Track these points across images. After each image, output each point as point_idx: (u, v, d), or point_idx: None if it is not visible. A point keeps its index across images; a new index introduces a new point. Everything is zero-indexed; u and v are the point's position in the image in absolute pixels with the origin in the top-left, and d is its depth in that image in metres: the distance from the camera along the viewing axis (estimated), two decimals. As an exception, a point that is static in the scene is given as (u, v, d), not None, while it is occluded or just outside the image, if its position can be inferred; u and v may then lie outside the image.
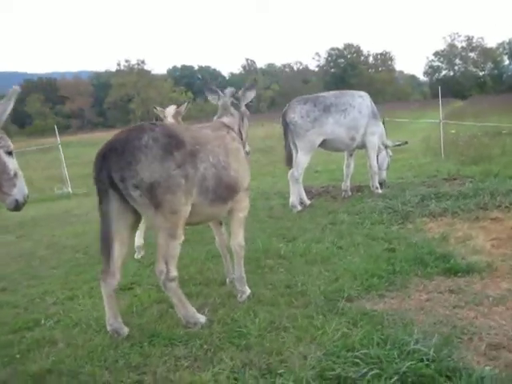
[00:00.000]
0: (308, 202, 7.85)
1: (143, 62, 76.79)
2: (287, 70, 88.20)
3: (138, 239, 6.03)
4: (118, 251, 3.66)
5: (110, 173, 3.49)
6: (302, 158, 7.58)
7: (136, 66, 76.01)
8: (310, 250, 5.44)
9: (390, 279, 4.40)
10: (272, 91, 77.66)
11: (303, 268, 4.93)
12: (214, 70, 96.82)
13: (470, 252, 4.94)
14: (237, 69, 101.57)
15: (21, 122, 70.43)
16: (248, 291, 4.35)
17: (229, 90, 4.79)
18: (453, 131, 14.01)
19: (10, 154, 3.60)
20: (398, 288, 4.25)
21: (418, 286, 4.27)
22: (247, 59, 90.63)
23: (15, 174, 3.61)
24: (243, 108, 4.77)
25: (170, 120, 6.37)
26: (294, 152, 7.71)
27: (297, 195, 7.53)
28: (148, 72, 77.85)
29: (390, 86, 73.71)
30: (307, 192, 8.67)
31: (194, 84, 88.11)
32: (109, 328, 3.76)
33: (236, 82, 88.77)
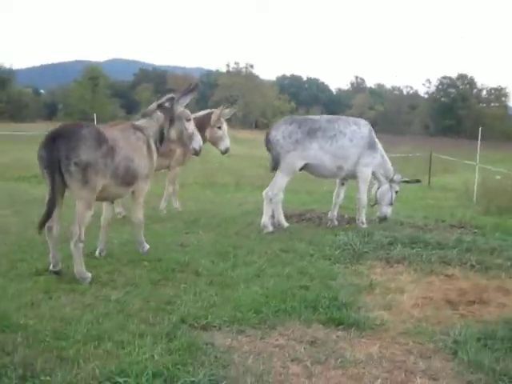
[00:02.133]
0: (285, 224, 7.54)
1: (252, 66, 78.48)
2: (396, 92, 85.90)
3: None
4: (57, 210, 4.91)
5: (58, 152, 4.65)
6: (279, 179, 7.30)
7: (244, 70, 77.72)
8: (228, 271, 5.22)
9: (266, 317, 4.09)
10: (375, 112, 76.07)
11: (197, 288, 4.72)
12: (322, 83, 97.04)
13: (380, 306, 4.47)
14: (345, 85, 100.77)
15: (129, 108, 74.30)
16: (147, 247, 5.88)
17: (166, 97, 5.94)
18: (498, 177, 12.83)
19: None
20: (263, 327, 3.94)
21: (286, 329, 3.93)
22: (356, 77, 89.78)
23: None
24: (179, 110, 5.85)
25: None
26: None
27: (269, 216, 7.25)
28: (256, 76, 79.37)
29: (501, 122, 69.35)
30: (295, 215, 8.39)
31: (299, 94, 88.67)
32: (52, 262, 5.05)
33: (343, 97, 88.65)
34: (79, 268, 4.89)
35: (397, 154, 18.96)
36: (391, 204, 7.90)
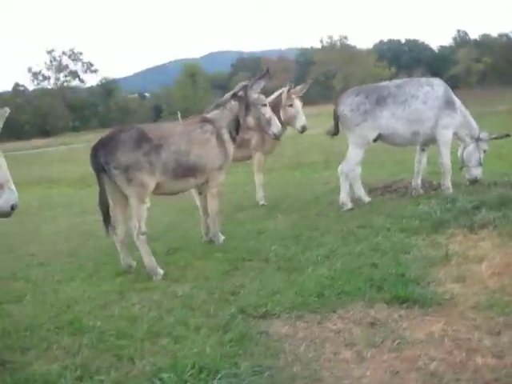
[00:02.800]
0: (367, 199, 7.24)
1: (345, 37, 76.29)
2: (504, 39, 79.04)
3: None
4: (118, 211, 5.29)
5: (100, 159, 5.05)
6: (352, 153, 6.98)
7: (338, 42, 75.86)
8: (298, 255, 5.15)
9: (328, 300, 3.98)
10: (483, 64, 70.74)
11: (264, 275, 4.71)
12: (423, 43, 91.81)
13: (453, 279, 4.15)
14: (447, 41, 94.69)
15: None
16: (222, 238, 6.01)
17: (239, 85, 6.08)
18: None
19: None
20: (324, 311, 3.83)
21: (347, 312, 3.79)
22: (458, 30, 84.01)
23: (1, 186, 3.83)
24: (253, 97, 5.95)
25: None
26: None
27: (347, 192, 6.99)
28: (351, 47, 77.14)
29: None
30: (380, 187, 8.05)
31: (400, 58, 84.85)
32: (123, 264, 5.35)
33: (446, 54, 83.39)
34: (148, 261, 5.12)
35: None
36: (480, 164, 7.29)
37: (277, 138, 6.40)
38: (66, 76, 72.93)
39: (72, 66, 73.37)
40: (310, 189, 9.13)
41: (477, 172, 7.31)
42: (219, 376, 2.93)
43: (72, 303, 4.56)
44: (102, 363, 3.30)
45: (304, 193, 8.81)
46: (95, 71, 75.45)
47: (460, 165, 7.47)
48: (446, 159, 7.02)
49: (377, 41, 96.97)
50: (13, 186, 3.88)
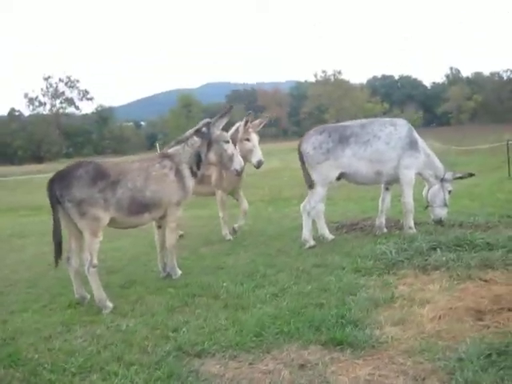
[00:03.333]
0: (330, 237, 7.28)
1: (339, 72, 77.61)
2: (496, 78, 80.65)
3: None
4: (73, 242, 5.35)
5: (55, 191, 5.12)
6: (315, 191, 7.07)
7: (332, 77, 77.06)
8: (248, 293, 5.14)
9: (266, 339, 3.97)
10: (474, 102, 71.92)
11: (210, 313, 4.70)
12: (415, 79, 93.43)
13: (392, 322, 4.15)
14: (440, 78, 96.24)
15: (223, 130, 76.46)
16: (179, 272, 6.04)
17: (202, 122, 6.20)
18: None
19: None
20: (258, 351, 3.83)
21: (281, 352, 3.78)
22: (451, 68, 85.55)
23: None
24: (216, 134, 6.06)
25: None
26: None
27: (309, 229, 7.03)
28: (345, 82, 78.35)
29: None
30: (347, 225, 8.12)
31: (392, 94, 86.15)
32: (76, 296, 5.38)
33: (438, 92, 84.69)
34: (97, 294, 5.14)
35: (495, 144, 17.84)
36: (445, 205, 7.35)
37: (238, 174, 6.47)
38: (61, 103, 73.55)
39: (68, 93, 74.11)
40: (279, 224, 9.18)
41: (442, 212, 7.36)
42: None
43: (18, 335, 4.54)
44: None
45: (271, 228, 8.85)
46: (91, 99, 76.21)
47: (425, 205, 7.54)
48: (408, 199, 7.09)
49: (370, 76, 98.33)
50: None
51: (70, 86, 73.39)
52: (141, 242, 8.40)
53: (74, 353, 3.99)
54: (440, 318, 4.17)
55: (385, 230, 7.40)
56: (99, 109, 77.46)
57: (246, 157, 7.38)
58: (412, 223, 7.12)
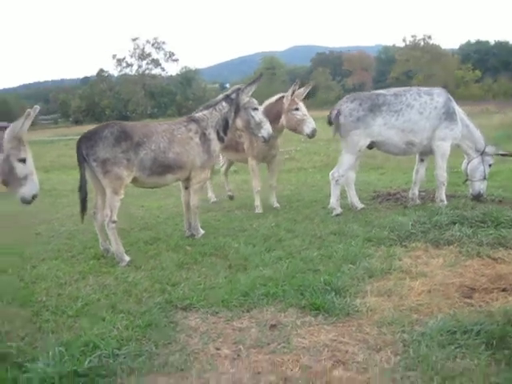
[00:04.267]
0: (360, 206, 7.23)
1: (429, 37, 73.49)
2: None
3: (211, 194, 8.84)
4: (99, 199, 5.71)
5: (82, 151, 5.46)
6: (344, 159, 7.01)
7: (422, 42, 73.42)
8: (256, 255, 5.30)
9: (251, 300, 4.15)
10: None
11: (213, 271, 4.95)
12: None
13: (379, 293, 4.17)
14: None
15: (307, 93, 75.48)
16: (201, 232, 6.30)
17: (232, 88, 6.46)
18: None
19: (21, 160, 4.45)
20: (240, 310, 4.02)
21: (260, 313, 3.96)
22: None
23: (25, 177, 4.45)
24: (244, 100, 6.21)
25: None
26: None
27: (337, 197, 7.00)
28: (435, 47, 74.46)
29: None
30: (384, 194, 8.03)
31: (486, 61, 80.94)
32: (101, 248, 5.78)
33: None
34: (116, 248, 5.48)
35: None
36: (485, 179, 7.07)
37: (266, 141, 6.51)
38: (147, 64, 75.42)
39: (154, 55, 75.72)
40: (320, 191, 9.16)
41: (481, 186, 7.10)
42: (97, 354, 3.18)
43: (39, 280, 5.01)
44: (23, 331, 3.69)
45: (311, 194, 8.91)
46: (176, 60, 77.53)
47: (464, 178, 7.30)
48: (441, 171, 6.89)
49: (464, 41, 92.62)
50: (35, 178, 4.48)
51: (156, 48, 75.05)
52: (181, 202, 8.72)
53: (78, 299, 4.36)
54: (429, 292, 4.16)
55: (418, 202, 7.26)
56: (184, 70, 78.89)
57: (296, 128, 7.21)
58: (443, 196, 6.93)
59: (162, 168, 5.80)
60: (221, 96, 6.39)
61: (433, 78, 67.23)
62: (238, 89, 6.29)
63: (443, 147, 6.81)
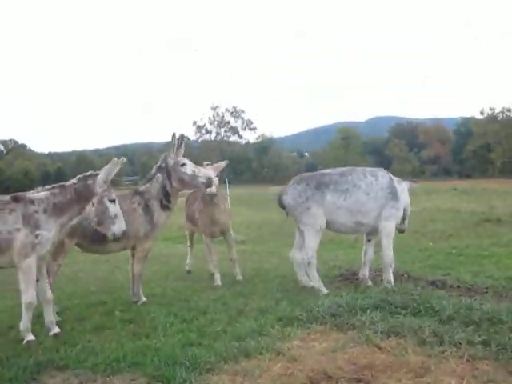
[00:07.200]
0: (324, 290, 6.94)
1: (509, 110, 71.50)
2: None
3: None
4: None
5: None
6: (308, 241, 6.92)
7: (500, 114, 71.56)
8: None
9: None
10: None
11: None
12: None
13: (235, 372, 4.28)
14: None
15: (383, 164, 74.74)
16: (143, 299, 6.66)
17: (161, 158, 6.75)
18: None
19: (112, 201, 5.36)
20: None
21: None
22: None
23: (115, 216, 5.38)
24: (170, 163, 6.52)
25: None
26: (298, 234, 7.25)
27: (317, 277, 6.96)
28: (512, 120, 72.24)
29: None
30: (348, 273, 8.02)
31: None
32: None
33: None
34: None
35: None
36: None
37: (209, 185, 6.68)
38: (226, 131, 78.81)
39: (233, 123, 79.14)
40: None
41: None
42: None
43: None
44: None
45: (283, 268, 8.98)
46: (254, 129, 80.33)
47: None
48: (388, 251, 6.84)
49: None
50: (122, 217, 5.45)
51: (235, 116, 78.52)
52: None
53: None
54: (284, 375, 4.22)
55: (369, 283, 7.17)
56: (260, 139, 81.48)
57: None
58: (391, 277, 6.84)
59: (104, 236, 6.06)
60: (154, 168, 6.71)
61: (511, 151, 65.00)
62: (165, 156, 6.63)
63: (389, 227, 6.82)
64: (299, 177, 7.32)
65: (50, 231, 5.11)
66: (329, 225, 7.06)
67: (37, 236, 5.01)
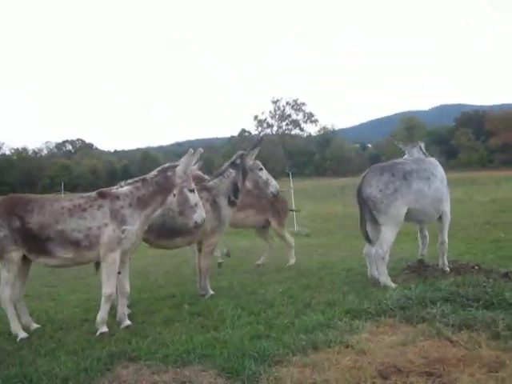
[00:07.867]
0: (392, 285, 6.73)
1: None
2: None
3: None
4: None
5: None
6: (387, 235, 6.71)
7: None
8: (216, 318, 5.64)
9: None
10: None
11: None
12: None
13: (305, 364, 4.28)
14: None
15: (449, 154, 72.28)
16: (210, 293, 6.76)
17: (236, 154, 6.96)
18: None
19: (191, 191, 5.61)
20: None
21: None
22: None
23: (196, 204, 5.61)
24: (249, 163, 6.80)
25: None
26: (369, 228, 6.99)
27: (386, 273, 6.78)
28: None
29: None
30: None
31: None
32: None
33: None
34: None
35: None
36: None
37: (275, 196, 7.02)
38: (287, 125, 78.61)
39: (294, 116, 78.82)
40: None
41: None
42: None
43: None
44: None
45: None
46: (316, 121, 79.74)
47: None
48: (446, 237, 7.08)
49: None
50: (201, 205, 5.66)
51: (296, 109, 78.16)
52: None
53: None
54: (353, 368, 4.16)
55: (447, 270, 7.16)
56: (321, 131, 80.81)
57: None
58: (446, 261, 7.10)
59: (171, 232, 6.40)
60: (226, 164, 6.87)
61: None
62: (242, 154, 6.79)
63: (449, 213, 7.10)
64: (378, 167, 7.00)
65: (134, 225, 5.28)
66: (409, 215, 6.83)
67: (123, 231, 5.20)
